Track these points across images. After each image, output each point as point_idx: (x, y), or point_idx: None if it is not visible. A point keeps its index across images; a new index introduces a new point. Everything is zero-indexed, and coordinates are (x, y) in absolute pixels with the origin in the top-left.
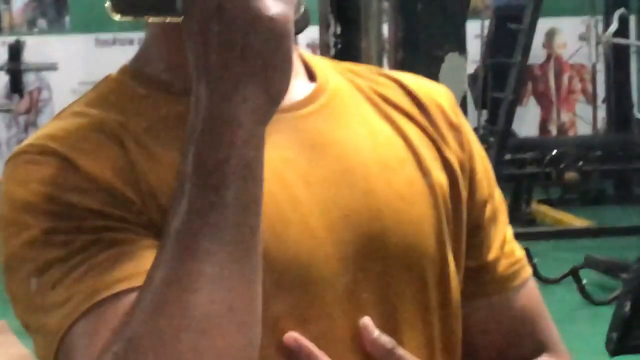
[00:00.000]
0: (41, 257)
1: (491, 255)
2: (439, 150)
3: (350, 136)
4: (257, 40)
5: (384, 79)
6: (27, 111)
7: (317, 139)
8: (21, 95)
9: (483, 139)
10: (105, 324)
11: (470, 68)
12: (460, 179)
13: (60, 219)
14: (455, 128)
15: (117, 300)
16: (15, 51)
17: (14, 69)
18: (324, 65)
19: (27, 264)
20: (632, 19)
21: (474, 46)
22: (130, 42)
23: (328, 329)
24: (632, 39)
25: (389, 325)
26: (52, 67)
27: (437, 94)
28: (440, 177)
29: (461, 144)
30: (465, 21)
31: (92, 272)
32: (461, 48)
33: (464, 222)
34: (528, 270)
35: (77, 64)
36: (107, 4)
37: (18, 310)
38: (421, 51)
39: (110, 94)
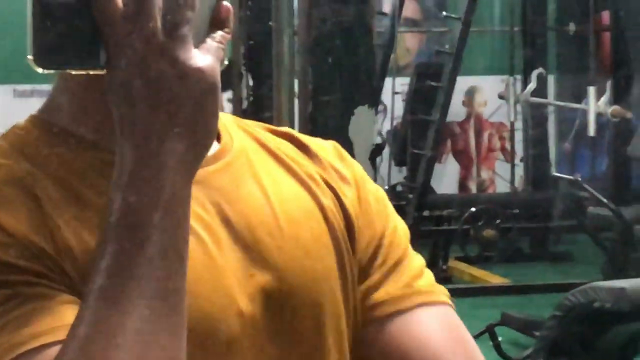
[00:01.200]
0: None
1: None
2: (339, 202)
3: (257, 193)
4: (183, 95)
5: (274, 135)
6: None
7: (225, 197)
8: None
9: (402, 196)
10: None
11: (393, 124)
12: (356, 230)
13: None
14: (345, 180)
15: (34, 355)
16: None
17: None
18: (226, 122)
19: None
20: (550, 79)
21: (397, 103)
22: (49, 93)
23: None
24: (549, 98)
25: None
26: None
27: (324, 150)
28: (344, 229)
29: (358, 197)
30: (373, 75)
31: (9, 327)
32: (371, 101)
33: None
34: (430, 297)
35: None
36: (29, 57)
37: None
38: (331, 104)
39: (20, 144)
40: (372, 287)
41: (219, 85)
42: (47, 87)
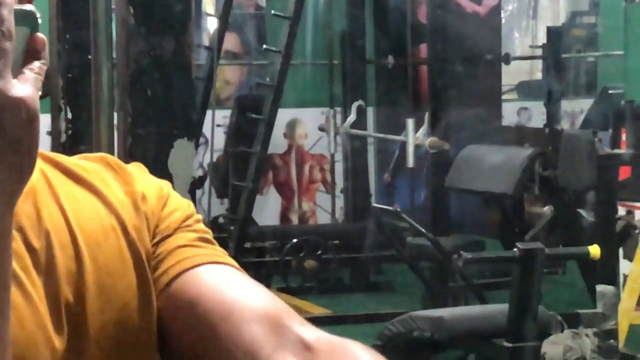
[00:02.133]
0: None
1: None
2: (139, 212)
3: (58, 216)
4: (4, 126)
5: (87, 160)
6: None
7: (28, 223)
8: None
9: (223, 228)
10: None
11: (214, 157)
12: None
13: None
14: (145, 198)
15: None
16: None
17: None
18: None
19: None
20: (370, 111)
21: (218, 135)
22: None
23: None
24: (369, 130)
25: None
26: None
27: (136, 172)
28: (145, 241)
29: (161, 210)
30: (193, 108)
31: None
32: (190, 134)
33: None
34: (213, 258)
35: None
36: None
37: None
38: (150, 137)
39: None
40: (156, 265)
41: (39, 114)
42: None
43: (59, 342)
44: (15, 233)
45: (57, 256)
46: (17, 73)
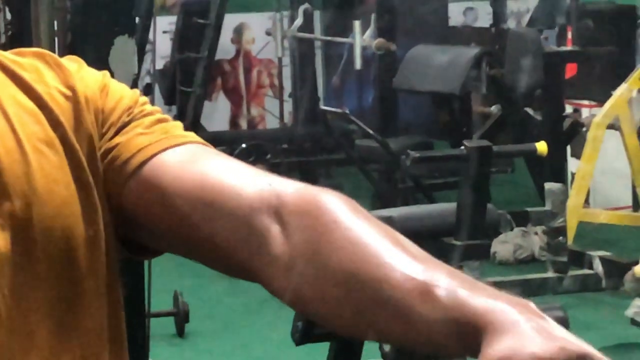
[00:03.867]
0: None
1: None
2: (79, 112)
3: (2, 120)
4: None
5: (23, 56)
6: None
7: None
8: None
9: None
10: None
11: (160, 64)
12: (97, 143)
13: None
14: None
15: None
16: None
17: None
18: None
19: None
20: (317, 14)
21: (165, 42)
22: None
23: None
24: (316, 34)
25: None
26: None
27: (71, 66)
28: (83, 145)
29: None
30: (132, 5)
31: None
32: (130, 31)
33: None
34: (176, 140)
35: None
36: None
37: None
38: (90, 35)
39: None
40: (111, 160)
41: None
42: None
43: (4, 243)
44: None
45: (3, 159)
46: None
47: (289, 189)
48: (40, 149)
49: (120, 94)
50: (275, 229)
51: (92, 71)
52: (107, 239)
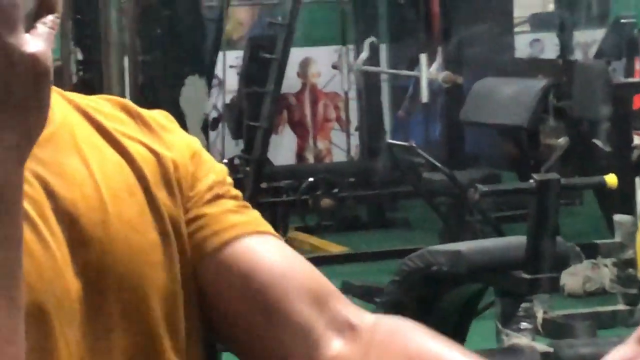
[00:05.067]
0: None
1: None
2: (165, 171)
3: (81, 167)
4: (15, 79)
5: (111, 103)
6: None
7: (49, 170)
8: None
9: (239, 169)
10: None
11: (228, 98)
12: (185, 191)
13: None
14: (171, 146)
15: None
16: None
17: None
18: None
19: None
20: (383, 48)
21: (232, 76)
22: None
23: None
24: (382, 67)
25: (144, 345)
26: None
27: (154, 119)
28: (166, 201)
29: (185, 160)
30: (203, 44)
31: None
32: (201, 71)
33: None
34: (258, 227)
35: None
36: None
37: None
38: (161, 75)
39: None
40: (199, 228)
41: (52, 69)
42: None
43: (77, 291)
44: (32, 179)
45: (80, 206)
46: (29, 27)
47: (362, 316)
48: (120, 196)
49: (211, 165)
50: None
51: (182, 133)
52: (187, 297)
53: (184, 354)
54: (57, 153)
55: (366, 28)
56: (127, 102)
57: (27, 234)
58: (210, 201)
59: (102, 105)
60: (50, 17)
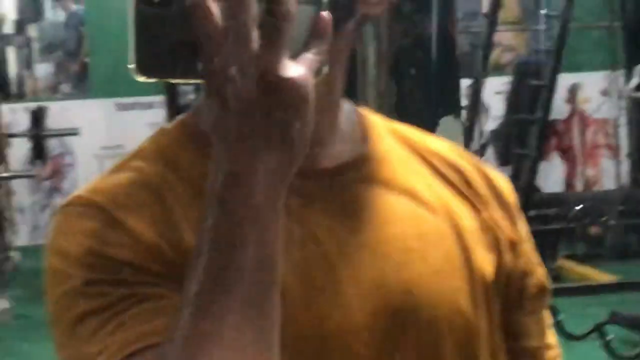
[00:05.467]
0: (80, 308)
1: (534, 342)
2: (488, 225)
3: (392, 206)
4: (276, 105)
5: (426, 146)
6: (51, 176)
7: (358, 207)
8: (44, 162)
9: None
10: None
11: (493, 124)
12: (505, 255)
13: (99, 272)
14: (504, 205)
15: (144, 353)
16: (38, 117)
17: (37, 135)
18: (380, 126)
19: (68, 314)
20: None
21: (497, 103)
22: (150, 105)
23: None
24: None
25: None
26: (73, 133)
27: (485, 172)
28: (481, 253)
29: (511, 220)
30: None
31: (123, 326)
32: (456, 111)
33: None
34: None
35: (98, 128)
36: (131, 66)
37: (61, 357)
38: (415, 116)
39: (162, 145)
40: (516, 334)
41: (312, 96)
42: (148, 99)
43: (368, 331)
44: (342, 216)
45: (384, 245)
46: (298, 53)
47: None
48: (428, 240)
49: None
50: None
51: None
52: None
53: None
54: (371, 191)
55: (637, 53)
56: (439, 146)
57: (323, 272)
58: (532, 312)
59: (439, 149)
60: (317, 44)
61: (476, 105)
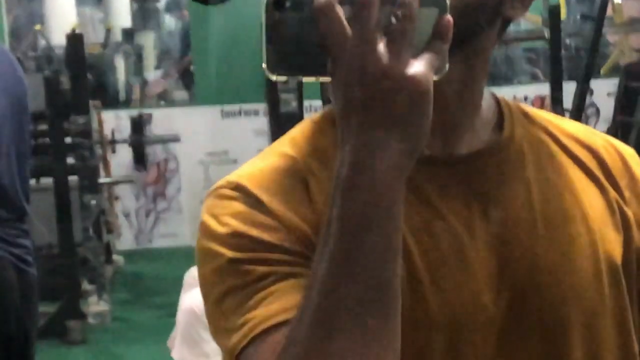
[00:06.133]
0: (225, 284)
1: None
2: (617, 205)
3: (522, 192)
4: (397, 101)
5: (560, 128)
6: (155, 182)
7: (490, 193)
8: (144, 168)
9: None
10: (270, 350)
11: (604, 126)
12: (635, 234)
13: (243, 251)
14: (635, 182)
15: (282, 328)
16: (138, 124)
17: (137, 142)
18: (515, 111)
19: (215, 290)
20: None
21: (609, 104)
22: (256, 112)
23: None
24: None
25: None
26: (175, 139)
27: (617, 147)
28: (609, 234)
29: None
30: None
31: (264, 301)
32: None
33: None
34: None
35: (204, 135)
36: (264, 65)
37: (211, 329)
38: None
39: (307, 135)
40: None
41: (431, 92)
42: (253, 106)
43: (492, 311)
44: (473, 200)
45: (511, 229)
46: (420, 52)
47: None
48: (555, 223)
49: None
50: None
51: None
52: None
53: None
54: (503, 176)
55: None
56: (570, 126)
57: (454, 253)
58: None
59: (555, 122)
60: (438, 44)
61: (580, 108)
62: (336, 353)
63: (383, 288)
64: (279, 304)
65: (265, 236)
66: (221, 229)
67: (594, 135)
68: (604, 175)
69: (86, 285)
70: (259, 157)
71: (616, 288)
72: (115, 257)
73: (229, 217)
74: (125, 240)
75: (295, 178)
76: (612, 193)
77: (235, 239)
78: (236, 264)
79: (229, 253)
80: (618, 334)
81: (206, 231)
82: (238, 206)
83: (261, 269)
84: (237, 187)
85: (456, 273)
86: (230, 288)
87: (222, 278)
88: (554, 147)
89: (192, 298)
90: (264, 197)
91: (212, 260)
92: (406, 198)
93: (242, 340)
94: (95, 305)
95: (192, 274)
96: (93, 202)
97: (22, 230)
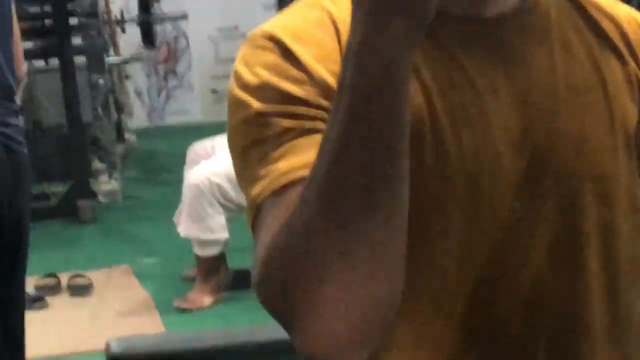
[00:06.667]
0: (251, 135)
1: None
2: (635, 78)
3: (546, 57)
4: None
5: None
6: (166, 60)
7: (514, 55)
8: (154, 46)
9: None
10: (285, 206)
11: None
12: None
13: (272, 102)
14: None
15: (298, 185)
16: (145, 3)
17: (145, 21)
18: None
19: (242, 140)
20: None
21: None
22: None
23: (494, 228)
24: None
25: (567, 239)
26: (183, 17)
27: (639, 21)
28: (627, 105)
29: None
30: None
31: (287, 155)
32: None
33: None
34: None
35: (213, 10)
36: None
37: (237, 179)
38: None
39: None
40: None
41: None
42: None
43: (510, 169)
44: (498, 61)
45: (533, 92)
46: None
47: None
48: (575, 90)
49: None
50: None
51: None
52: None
53: (609, 261)
54: (528, 40)
55: None
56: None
57: (475, 111)
58: None
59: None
60: None
61: None
62: (344, 215)
63: (391, 153)
64: (299, 159)
65: (293, 89)
66: (252, 79)
67: (618, 6)
68: (625, 47)
69: (97, 164)
70: (300, 8)
71: (630, 160)
72: (127, 135)
73: (260, 68)
74: (137, 119)
75: (330, 32)
76: (632, 65)
77: (264, 91)
78: (262, 116)
79: (257, 104)
80: (630, 201)
81: (239, 80)
82: (270, 57)
83: (286, 122)
84: (271, 38)
85: (478, 128)
86: (255, 140)
87: (249, 129)
88: (578, 15)
89: (195, 174)
90: (296, 48)
91: (240, 111)
92: (432, 54)
93: (263, 191)
94: (106, 184)
95: (194, 150)
96: (101, 81)
97: (11, 109)
